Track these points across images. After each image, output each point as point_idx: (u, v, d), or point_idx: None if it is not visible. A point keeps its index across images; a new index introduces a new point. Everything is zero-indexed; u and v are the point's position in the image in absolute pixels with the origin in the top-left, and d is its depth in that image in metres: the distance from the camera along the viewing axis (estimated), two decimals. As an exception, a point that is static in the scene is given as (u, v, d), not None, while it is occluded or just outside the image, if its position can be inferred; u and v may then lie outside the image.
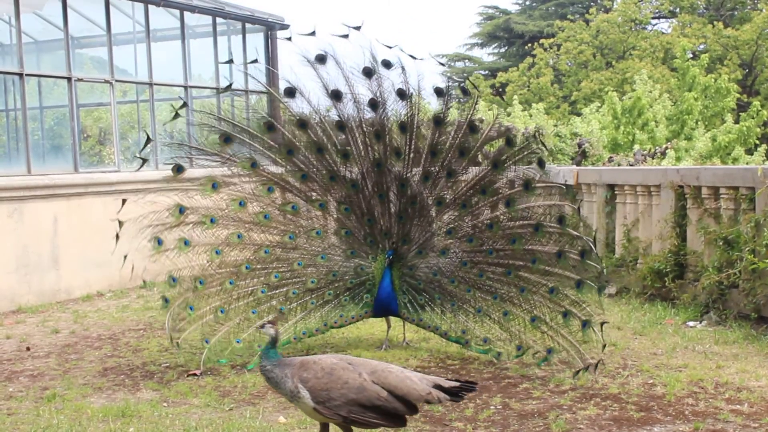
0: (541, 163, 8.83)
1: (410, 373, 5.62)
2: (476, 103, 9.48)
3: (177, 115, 8.95)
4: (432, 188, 8.94)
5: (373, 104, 8.90)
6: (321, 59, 8.90)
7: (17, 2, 12.78)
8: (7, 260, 12.25)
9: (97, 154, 16.17)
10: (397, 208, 8.96)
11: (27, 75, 13.13)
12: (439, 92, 9.09)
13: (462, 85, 9.44)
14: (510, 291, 8.54)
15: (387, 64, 8.94)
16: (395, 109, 9.06)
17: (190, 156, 9.26)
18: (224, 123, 9.15)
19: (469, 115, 8.92)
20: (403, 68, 8.90)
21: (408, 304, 8.95)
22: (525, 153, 8.85)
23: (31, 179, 12.72)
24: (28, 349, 9.76)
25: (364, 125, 8.95)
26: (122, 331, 10.65)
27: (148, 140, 9.67)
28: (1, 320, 11.44)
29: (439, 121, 8.85)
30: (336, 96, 8.92)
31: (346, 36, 9.05)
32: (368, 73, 8.90)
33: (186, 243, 8.70)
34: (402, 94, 8.92)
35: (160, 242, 8.68)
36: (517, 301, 8.48)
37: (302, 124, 8.96)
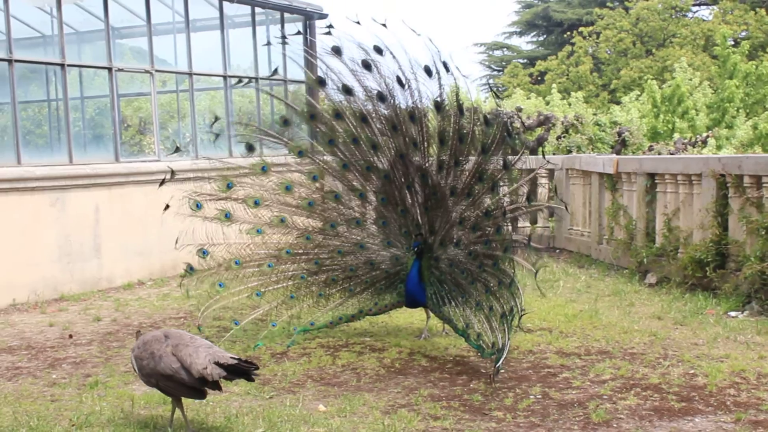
0: (509, 134, 8.62)
1: (206, 350, 5.96)
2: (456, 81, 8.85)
3: (217, 119, 9.35)
4: (446, 178, 8.73)
5: (381, 96, 8.77)
6: (337, 51, 8.81)
7: (59, -7, 12.92)
8: (51, 249, 12.41)
9: (137, 144, 16.30)
10: (422, 198, 8.85)
11: (68, 65, 13.27)
12: (428, 72, 8.68)
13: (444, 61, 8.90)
14: (495, 284, 8.34)
15: (378, 50, 8.69)
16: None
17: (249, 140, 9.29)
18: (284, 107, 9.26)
19: (457, 97, 8.57)
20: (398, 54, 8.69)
21: (433, 296, 8.81)
22: (502, 133, 8.53)
23: (72, 169, 12.86)
24: (70, 336, 9.89)
25: (382, 117, 8.86)
26: (163, 320, 10.75)
27: (177, 149, 9.98)
28: (45, 308, 11.59)
29: (438, 106, 8.67)
30: (347, 91, 8.83)
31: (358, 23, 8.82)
32: (367, 66, 8.75)
33: (227, 215, 8.84)
34: (399, 81, 8.70)
35: (199, 206, 8.83)
36: (498, 295, 8.25)
37: (338, 114, 8.97)
